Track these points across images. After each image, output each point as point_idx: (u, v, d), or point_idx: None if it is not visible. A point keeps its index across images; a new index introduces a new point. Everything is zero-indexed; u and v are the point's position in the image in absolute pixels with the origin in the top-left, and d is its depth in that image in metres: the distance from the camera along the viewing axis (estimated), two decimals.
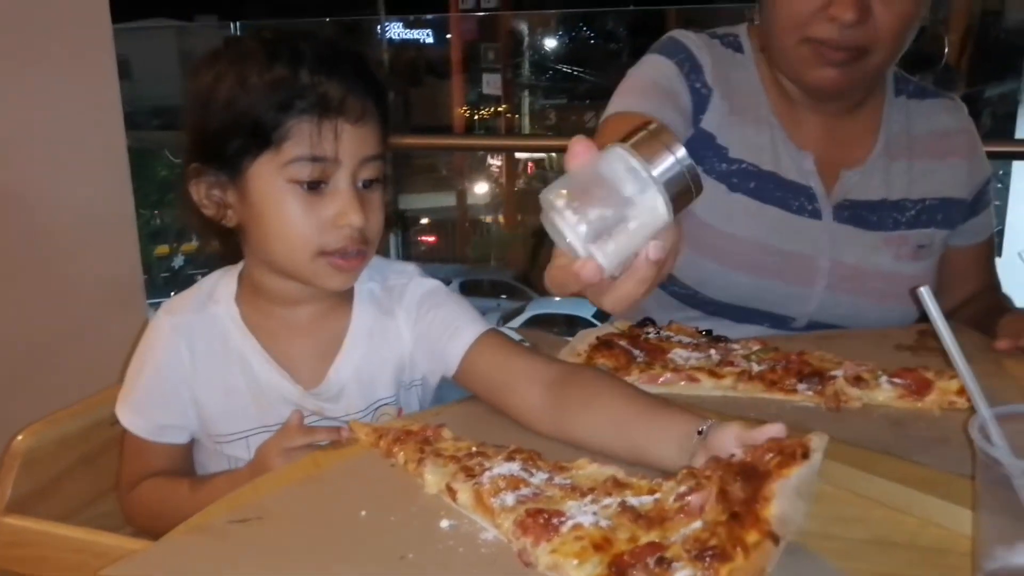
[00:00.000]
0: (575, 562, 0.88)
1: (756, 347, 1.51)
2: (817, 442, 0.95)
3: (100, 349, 2.13)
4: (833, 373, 1.39)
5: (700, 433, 1.06)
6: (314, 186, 1.29)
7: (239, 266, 1.45)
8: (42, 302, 2.52)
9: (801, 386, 1.38)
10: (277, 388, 1.40)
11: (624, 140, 0.87)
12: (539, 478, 1.04)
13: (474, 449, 1.14)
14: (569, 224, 0.84)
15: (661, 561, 0.85)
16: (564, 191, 0.85)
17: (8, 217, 2.42)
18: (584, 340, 1.54)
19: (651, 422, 1.15)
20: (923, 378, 1.36)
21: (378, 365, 1.44)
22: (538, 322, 13.19)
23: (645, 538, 0.90)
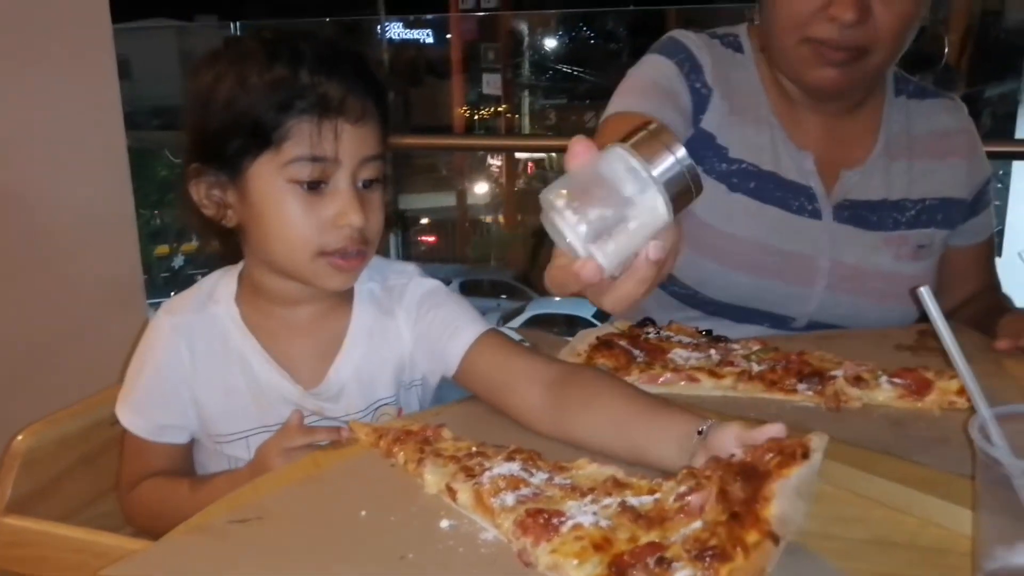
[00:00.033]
0: (575, 562, 0.88)
1: (756, 347, 1.51)
2: (817, 442, 0.95)
3: (100, 349, 2.13)
4: (833, 373, 1.39)
5: (700, 433, 1.06)
6: (314, 186, 1.29)
7: (239, 266, 1.45)
8: (42, 302, 2.52)
9: (801, 386, 1.38)
10: (277, 388, 1.40)
11: (624, 140, 0.87)
12: (539, 478, 1.04)
13: (474, 449, 1.14)
14: (569, 224, 0.84)
15: (661, 561, 0.85)
16: (564, 191, 0.85)
17: (8, 217, 2.42)
18: (584, 340, 1.54)
19: (651, 422, 1.15)
20: (923, 378, 1.36)
21: (378, 365, 1.44)
22: (538, 322, 13.20)
23: (645, 538, 0.90)
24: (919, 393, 1.35)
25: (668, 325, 1.63)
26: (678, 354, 1.48)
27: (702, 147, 1.76)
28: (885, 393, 1.36)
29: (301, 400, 1.39)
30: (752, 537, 0.86)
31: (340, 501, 1.09)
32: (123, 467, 1.45)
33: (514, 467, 1.06)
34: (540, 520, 0.93)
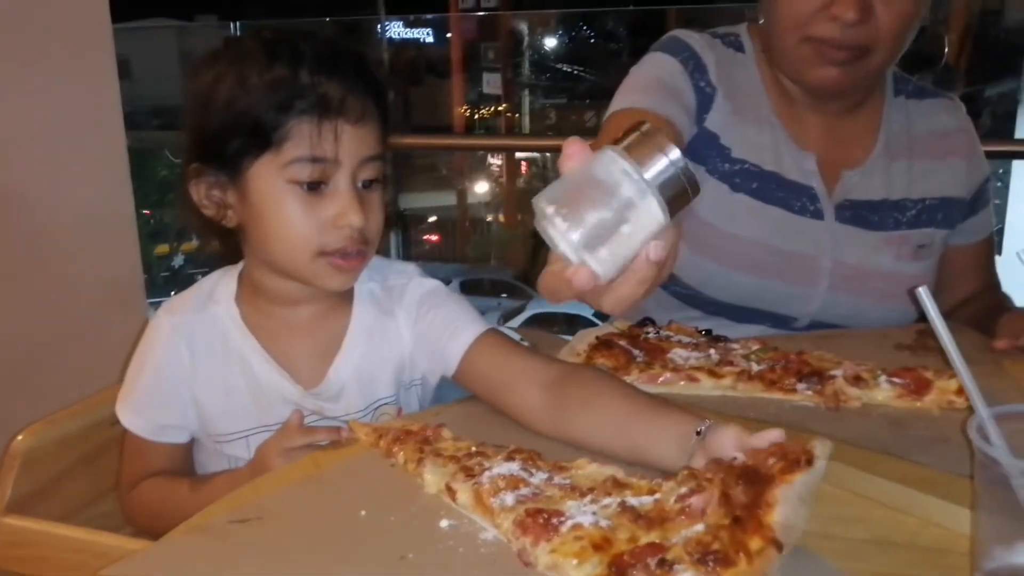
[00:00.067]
0: (575, 562, 0.88)
1: (755, 347, 1.51)
2: (821, 449, 0.95)
3: (100, 349, 2.13)
4: (832, 373, 1.39)
5: (699, 434, 1.07)
6: (314, 186, 1.29)
7: (239, 266, 1.45)
8: (42, 302, 2.52)
9: (800, 386, 1.38)
10: (277, 388, 1.40)
11: (617, 142, 0.85)
12: (539, 478, 1.04)
13: (474, 449, 1.14)
14: (560, 231, 0.82)
15: (663, 563, 0.85)
16: (556, 196, 0.83)
17: (8, 217, 2.42)
18: (584, 340, 1.54)
19: (651, 422, 1.15)
20: (922, 378, 1.36)
21: (378, 365, 1.44)
22: (538, 321, 13.19)
23: (645, 538, 0.90)
24: (918, 393, 1.35)
25: (668, 325, 1.64)
26: (678, 354, 1.48)
27: (705, 147, 1.76)
28: (884, 393, 1.36)
29: (301, 400, 1.40)
30: (755, 543, 0.86)
31: (340, 501, 1.09)
32: (123, 467, 1.46)
33: (514, 467, 1.06)
34: (540, 520, 0.94)
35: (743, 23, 1.89)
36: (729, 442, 1.01)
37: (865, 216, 1.79)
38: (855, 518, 1.04)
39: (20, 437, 1.40)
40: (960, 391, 1.32)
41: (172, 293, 1.50)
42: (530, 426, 1.27)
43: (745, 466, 0.95)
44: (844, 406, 1.35)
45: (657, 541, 0.89)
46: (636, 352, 1.49)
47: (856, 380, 1.37)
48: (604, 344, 1.50)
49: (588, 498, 0.98)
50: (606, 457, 1.11)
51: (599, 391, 1.24)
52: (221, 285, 1.45)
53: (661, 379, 1.42)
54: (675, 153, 0.82)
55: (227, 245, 1.43)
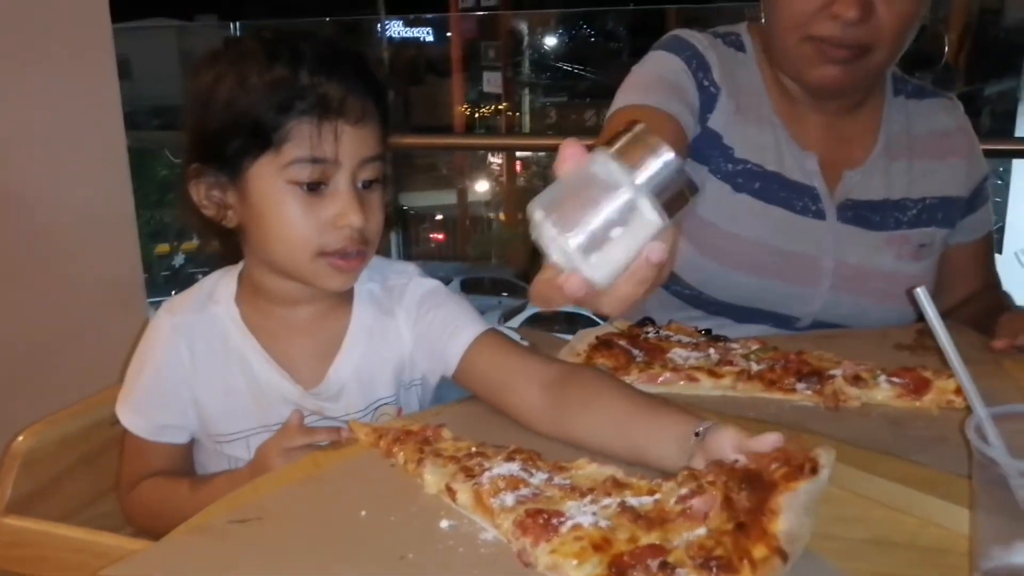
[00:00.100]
0: (574, 562, 0.88)
1: (755, 346, 1.51)
2: (826, 458, 0.95)
3: (100, 349, 2.13)
4: (832, 372, 1.39)
5: (697, 435, 1.06)
6: (314, 187, 1.30)
7: (239, 266, 1.46)
8: (42, 302, 2.52)
9: (800, 385, 1.38)
10: (277, 388, 1.40)
11: (610, 143, 0.82)
12: (539, 478, 1.04)
13: (474, 449, 1.14)
14: (551, 237, 0.81)
15: (664, 566, 0.85)
16: (548, 202, 0.82)
17: (8, 217, 2.42)
18: (584, 340, 1.54)
19: (650, 422, 1.15)
20: (921, 377, 1.36)
21: (378, 365, 1.44)
22: (538, 320, 13.17)
23: (645, 539, 0.90)
24: (917, 392, 1.35)
25: (667, 325, 1.64)
26: (677, 353, 1.48)
27: (708, 146, 1.76)
28: (884, 392, 1.36)
29: (301, 400, 1.40)
30: (759, 551, 0.86)
31: (340, 501, 1.09)
32: (123, 467, 1.46)
33: (514, 467, 1.06)
34: (539, 520, 0.94)
35: (743, 23, 1.89)
36: (728, 444, 1.01)
37: (866, 216, 1.79)
38: (855, 518, 1.04)
39: (20, 438, 1.40)
40: (959, 390, 1.32)
41: (173, 292, 1.50)
42: (530, 426, 1.27)
43: (748, 470, 0.95)
44: (843, 406, 1.35)
45: (658, 543, 0.89)
46: (636, 352, 1.49)
47: (855, 380, 1.37)
48: (604, 344, 1.50)
49: (588, 498, 0.98)
50: (606, 457, 1.11)
51: (599, 391, 1.24)
52: (221, 285, 1.45)
53: (661, 379, 1.42)
54: (668, 155, 0.79)
55: (227, 245, 1.43)
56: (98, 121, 2.60)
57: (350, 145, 1.30)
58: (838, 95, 1.77)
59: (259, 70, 1.29)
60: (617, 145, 0.80)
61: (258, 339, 1.41)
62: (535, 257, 0.87)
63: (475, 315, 1.44)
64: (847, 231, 1.78)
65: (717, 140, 1.76)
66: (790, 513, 0.89)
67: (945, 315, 1.76)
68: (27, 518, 1.35)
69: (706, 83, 1.77)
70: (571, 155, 0.84)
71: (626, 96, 1.73)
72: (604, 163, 0.80)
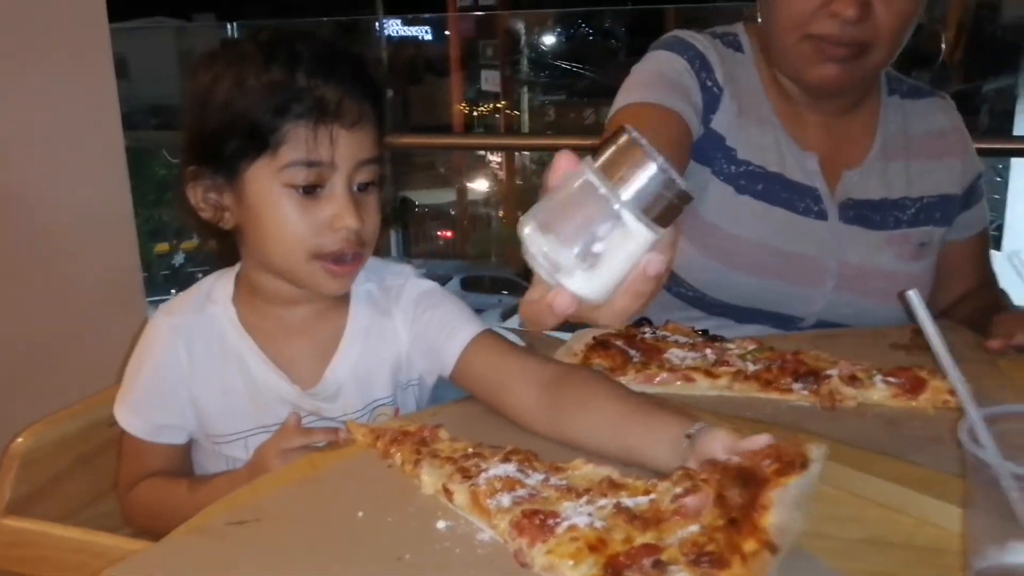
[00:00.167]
0: (570, 563, 0.88)
1: (751, 347, 1.51)
2: (816, 453, 0.95)
3: (99, 349, 2.13)
4: (828, 372, 1.39)
5: (689, 437, 1.07)
6: (310, 190, 1.30)
7: (236, 267, 1.46)
8: (40, 302, 2.52)
9: (796, 385, 1.38)
10: (274, 388, 1.40)
11: (597, 154, 0.78)
12: (535, 479, 1.04)
13: (470, 450, 1.14)
14: (541, 254, 0.78)
15: (658, 564, 0.86)
16: (535, 218, 0.79)
17: (6, 217, 2.42)
18: (581, 340, 1.55)
19: (644, 424, 1.15)
20: (917, 377, 1.36)
21: (375, 365, 1.45)
22: None
23: (640, 539, 0.90)
24: (913, 392, 1.35)
25: (664, 325, 1.64)
26: (674, 354, 1.48)
27: (711, 148, 1.76)
28: (879, 392, 1.36)
29: (298, 400, 1.40)
30: (750, 545, 0.86)
31: (338, 502, 1.09)
32: (121, 468, 1.46)
33: (510, 468, 1.06)
34: (536, 521, 0.94)
35: (740, 23, 1.89)
36: (719, 446, 1.01)
37: (867, 216, 1.80)
38: (851, 518, 1.04)
39: (20, 438, 1.40)
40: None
41: (173, 292, 1.50)
42: (526, 426, 1.27)
43: (740, 467, 0.95)
44: (839, 406, 1.35)
45: (652, 542, 0.89)
46: (632, 352, 1.49)
47: (851, 380, 1.37)
48: (601, 344, 1.51)
49: (584, 499, 0.99)
50: (602, 458, 1.12)
51: (594, 393, 1.24)
52: (218, 286, 1.45)
53: (657, 379, 1.42)
54: (653, 168, 0.76)
55: (224, 246, 1.44)
56: (96, 121, 2.60)
57: (346, 148, 1.30)
58: (836, 94, 1.77)
59: (256, 72, 1.30)
60: (604, 157, 0.78)
61: (255, 340, 1.41)
62: None
63: (471, 315, 1.44)
64: (849, 231, 1.79)
65: (720, 141, 1.76)
66: (781, 507, 0.89)
67: (942, 313, 1.78)
68: (26, 519, 1.35)
69: (709, 83, 1.76)
70: (561, 168, 0.81)
71: (629, 94, 1.73)
72: (591, 177, 0.78)
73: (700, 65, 1.77)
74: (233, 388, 1.41)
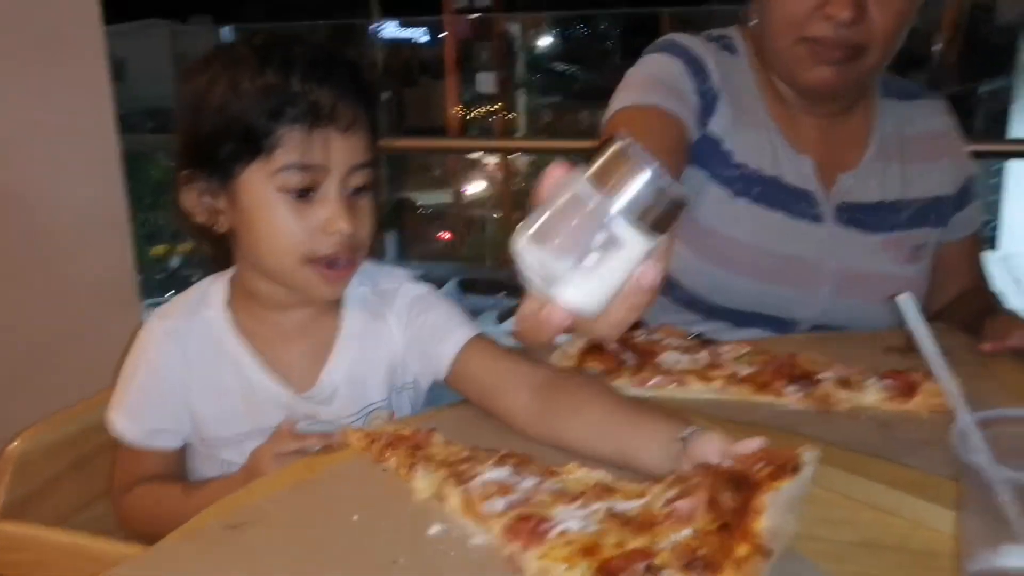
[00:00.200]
0: (564, 567, 0.89)
1: (745, 350, 1.51)
2: (808, 456, 0.96)
3: (95, 352, 2.13)
4: (821, 376, 1.40)
5: (681, 440, 1.07)
6: (303, 193, 1.30)
7: (231, 271, 1.46)
8: (36, 305, 2.51)
9: (789, 389, 1.38)
10: (269, 392, 1.41)
11: (589, 163, 0.77)
12: (529, 483, 1.05)
13: (464, 454, 1.14)
14: (532, 268, 0.77)
15: (650, 568, 0.86)
16: (530, 231, 0.77)
17: (1, 219, 2.42)
18: (575, 343, 1.55)
19: (636, 427, 1.15)
20: (911, 380, 1.37)
21: (370, 368, 1.45)
22: None
23: (633, 543, 0.90)
24: (907, 395, 1.35)
25: (658, 328, 1.64)
26: (668, 357, 1.48)
27: (708, 151, 1.76)
28: (873, 395, 1.36)
29: (294, 404, 1.40)
30: (743, 550, 0.86)
31: (332, 506, 1.09)
32: (116, 472, 1.46)
33: (504, 472, 1.06)
34: (528, 526, 0.94)
35: (733, 25, 1.89)
36: (712, 449, 1.02)
37: (863, 219, 1.80)
38: (844, 520, 1.04)
39: (15, 442, 1.41)
40: None
41: (172, 292, 1.51)
42: (520, 430, 1.27)
43: (732, 470, 0.95)
44: (833, 409, 1.35)
45: (645, 546, 0.90)
46: (626, 356, 1.49)
47: (845, 383, 1.38)
48: (595, 347, 1.51)
49: (577, 503, 0.99)
50: (596, 461, 1.12)
51: (587, 397, 1.24)
52: (213, 290, 1.45)
53: (651, 382, 1.42)
54: (647, 175, 0.74)
55: (219, 250, 1.44)
56: (91, 123, 2.59)
57: (340, 152, 1.30)
58: (831, 97, 1.77)
59: (250, 76, 1.30)
60: (596, 166, 0.76)
61: (250, 343, 1.42)
62: None
63: (465, 319, 1.45)
64: (845, 234, 1.79)
65: (717, 145, 1.76)
66: (773, 511, 0.89)
67: (937, 315, 1.77)
68: (21, 523, 1.35)
69: (705, 87, 1.76)
70: (552, 179, 0.80)
71: (626, 96, 1.72)
72: (584, 186, 0.76)
73: (696, 68, 1.76)
74: (228, 392, 1.41)
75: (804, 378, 1.39)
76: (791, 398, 1.38)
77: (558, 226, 0.76)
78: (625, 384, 1.41)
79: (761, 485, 0.91)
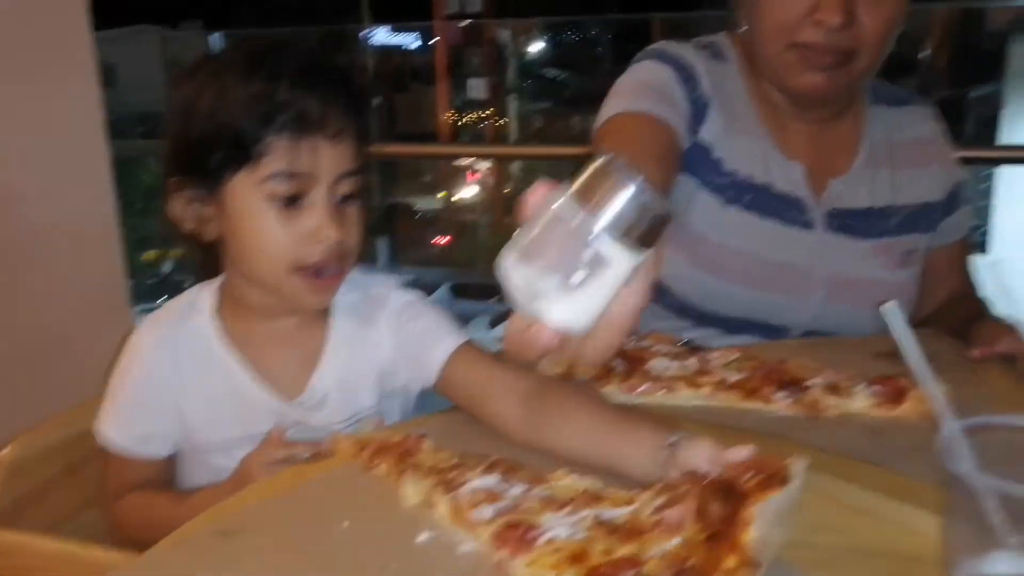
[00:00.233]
0: (552, 574, 0.89)
1: (734, 355, 1.51)
2: (797, 467, 0.96)
3: (86, 358, 2.13)
4: (810, 382, 1.40)
5: (670, 446, 1.07)
6: (291, 201, 1.30)
7: (220, 278, 1.46)
8: (27, 311, 2.51)
9: (778, 395, 1.38)
10: (259, 399, 1.41)
11: (573, 179, 0.76)
12: (517, 490, 1.05)
13: (454, 461, 1.14)
14: (518, 287, 0.77)
15: None
16: (515, 250, 0.77)
17: None
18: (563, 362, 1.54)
19: (624, 434, 1.16)
20: (900, 386, 1.37)
21: (360, 373, 1.45)
22: None
23: (621, 551, 0.91)
24: (896, 401, 1.36)
25: (648, 334, 1.64)
26: (657, 364, 1.48)
27: (699, 159, 1.75)
28: (862, 401, 1.37)
29: (284, 410, 1.40)
30: (731, 561, 0.86)
31: (322, 513, 1.09)
32: (108, 479, 1.46)
33: (492, 480, 1.07)
34: (516, 533, 0.94)
35: (722, 32, 1.89)
36: (703, 456, 1.02)
37: (853, 225, 1.80)
38: (834, 526, 1.04)
39: (6, 449, 1.41)
40: None
41: (165, 297, 1.50)
42: (508, 437, 1.28)
43: (721, 480, 0.96)
44: (822, 415, 1.36)
45: (633, 554, 0.90)
46: (615, 362, 1.49)
47: (833, 389, 1.38)
48: None
49: (566, 510, 0.99)
50: (585, 468, 1.12)
51: (576, 404, 1.25)
52: (202, 297, 1.45)
53: (640, 389, 1.42)
54: (632, 188, 0.74)
55: (208, 257, 1.44)
56: (79, 129, 2.60)
57: (328, 160, 1.31)
58: (822, 102, 1.78)
59: (238, 84, 1.30)
60: (578, 184, 0.76)
61: (239, 350, 1.42)
62: None
63: (454, 326, 1.45)
64: (836, 240, 1.79)
65: (707, 153, 1.76)
66: (761, 523, 0.89)
67: (926, 319, 1.77)
68: (12, 530, 1.35)
69: (696, 94, 1.75)
70: (537, 198, 0.79)
71: (616, 103, 1.72)
72: (567, 205, 0.76)
73: (686, 76, 1.76)
74: (218, 398, 1.41)
75: (793, 384, 1.39)
76: (780, 404, 1.38)
77: (543, 245, 0.76)
78: (614, 390, 1.41)
79: (750, 495, 0.91)
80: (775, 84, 1.77)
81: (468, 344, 1.41)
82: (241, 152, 1.29)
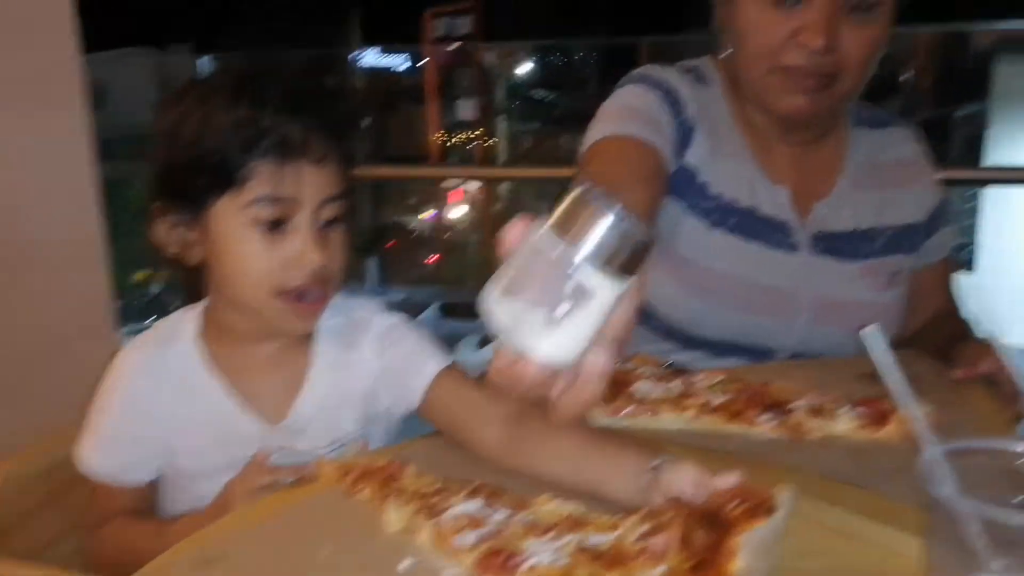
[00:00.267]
0: None
1: (718, 378, 1.51)
2: (783, 498, 0.95)
3: (70, 380, 2.12)
4: (794, 404, 1.40)
5: (653, 470, 1.07)
6: (275, 225, 1.30)
7: (204, 302, 1.46)
8: (10, 333, 2.50)
9: (762, 417, 1.38)
10: (242, 423, 1.40)
11: (552, 212, 0.75)
12: (500, 515, 1.04)
13: (437, 486, 1.14)
14: (504, 322, 0.75)
15: None
16: (497, 285, 0.76)
17: None
18: None
19: (606, 458, 1.16)
20: (883, 408, 1.37)
21: (343, 398, 1.45)
22: None
23: None
24: (879, 423, 1.36)
25: (633, 356, 1.64)
26: (641, 386, 1.48)
27: (685, 183, 1.76)
28: (845, 424, 1.36)
29: (267, 435, 1.40)
30: None
31: (304, 539, 1.09)
32: (91, 506, 1.45)
33: (475, 505, 1.06)
34: (499, 560, 0.94)
35: (705, 56, 1.90)
36: (687, 480, 1.02)
37: (839, 247, 1.81)
38: (817, 550, 1.04)
39: None
40: None
41: (155, 318, 1.50)
42: (491, 461, 1.27)
43: (706, 508, 0.95)
44: (806, 437, 1.35)
45: None
46: None
47: (817, 411, 1.38)
48: None
49: (549, 535, 0.99)
50: (568, 492, 1.12)
51: (557, 428, 1.23)
52: (186, 321, 1.45)
53: (624, 412, 1.42)
54: (611, 217, 0.73)
55: (192, 281, 1.44)
56: (67, 151, 2.59)
57: (312, 185, 1.31)
58: (805, 125, 1.78)
59: (223, 109, 1.30)
60: (557, 215, 0.75)
61: (223, 375, 1.41)
62: None
63: (437, 350, 1.45)
64: (821, 263, 1.79)
65: (693, 176, 1.76)
66: (747, 552, 0.89)
67: (910, 339, 1.77)
68: None
69: (681, 119, 1.76)
70: (516, 233, 0.78)
71: (603, 127, 1.72)
72: (547, 237, 0.74)
73: (671, 100, 1.76)
74: (201, 424, 1.40)
75: (777, 407, 1.39)
76: (764, 427, 1.37)
77: (525, 280, 0.75)
78: (597, 414, 1.41)
79: (735, 524, 0.91)
80: (759, 107, 1.78)
81: (451, 368, 1.41)
82: (225, 177, 1.29)
